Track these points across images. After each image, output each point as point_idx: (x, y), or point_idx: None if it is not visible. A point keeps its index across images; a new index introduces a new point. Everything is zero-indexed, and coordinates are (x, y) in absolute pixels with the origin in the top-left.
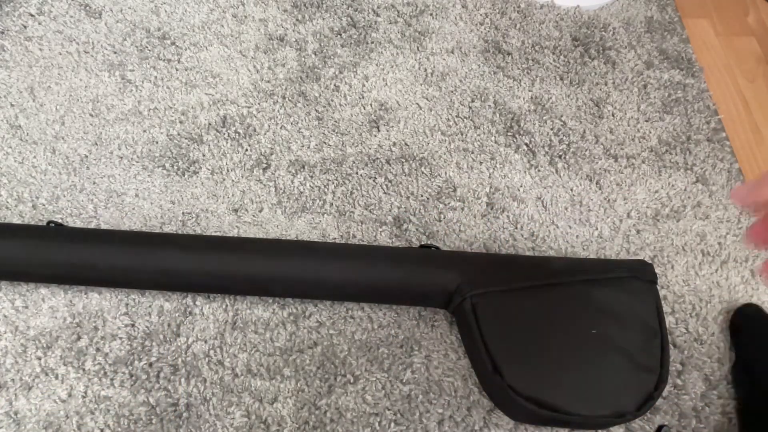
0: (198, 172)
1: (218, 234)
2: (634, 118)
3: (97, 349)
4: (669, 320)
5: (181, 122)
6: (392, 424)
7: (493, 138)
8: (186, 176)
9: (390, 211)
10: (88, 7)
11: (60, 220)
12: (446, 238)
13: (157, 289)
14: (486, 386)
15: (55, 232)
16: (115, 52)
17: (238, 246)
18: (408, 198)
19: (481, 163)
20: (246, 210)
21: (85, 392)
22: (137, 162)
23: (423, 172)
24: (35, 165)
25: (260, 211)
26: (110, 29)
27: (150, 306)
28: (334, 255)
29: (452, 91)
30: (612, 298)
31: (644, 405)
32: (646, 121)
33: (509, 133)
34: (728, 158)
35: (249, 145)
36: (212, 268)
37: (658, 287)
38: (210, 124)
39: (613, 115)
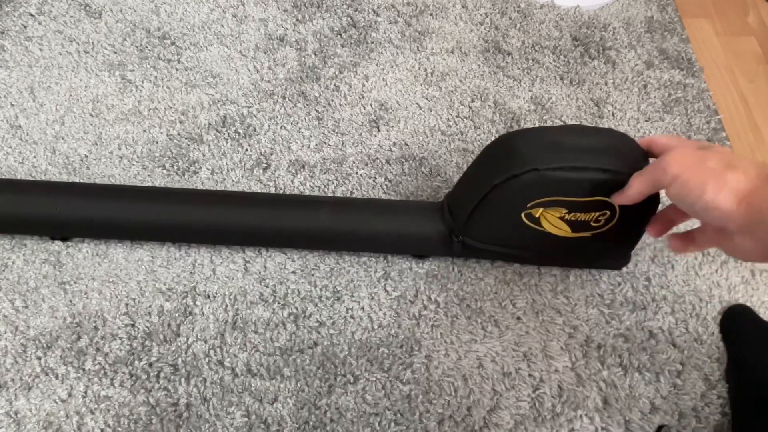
0: (198, 172)
1: None
2: (634, 118)
3: (97, 349)
4: (669, 320)
5: (181, 122)
6: (392, 424)
7: (493, 138)
8: (186, 176)
9: None
10: (88, 7)
11: None
12: None
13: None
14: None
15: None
16: (115, 52)
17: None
18: (408, 198)
19: None
20: None
21: (85, 392)
22: (137, 162)
23: (423, 172)
24: (35, 165)
25: None
26: (110, 29)
27: (150, 306)
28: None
29: (452, 91)
30: None
31: None
32: (647, 121)
33: None
34: None
35: (249, 145)
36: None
37: (658, 286)
38: (210, 124)
39: (613, 115)
